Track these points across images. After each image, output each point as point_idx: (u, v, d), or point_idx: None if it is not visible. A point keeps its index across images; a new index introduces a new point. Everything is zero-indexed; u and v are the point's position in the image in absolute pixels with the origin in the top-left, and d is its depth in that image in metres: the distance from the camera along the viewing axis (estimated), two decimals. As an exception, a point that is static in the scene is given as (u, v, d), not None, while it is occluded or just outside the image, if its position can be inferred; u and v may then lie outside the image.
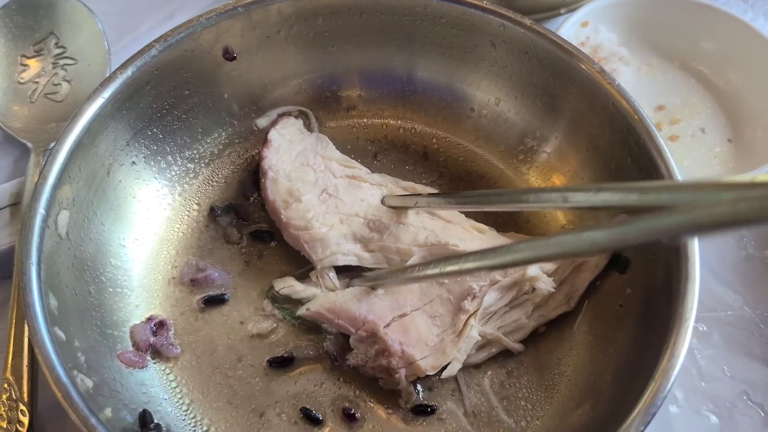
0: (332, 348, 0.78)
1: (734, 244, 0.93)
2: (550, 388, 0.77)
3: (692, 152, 0.97)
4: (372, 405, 0.77)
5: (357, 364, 0.76)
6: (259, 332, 0.80)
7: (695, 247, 0.68)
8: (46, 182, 0.71)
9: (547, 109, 0.87)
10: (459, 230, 0.82)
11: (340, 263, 0.81)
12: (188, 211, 0.88)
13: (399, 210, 0.83)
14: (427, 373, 0.75)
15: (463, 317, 0.76)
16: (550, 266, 0.79)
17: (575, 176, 0.86)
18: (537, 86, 0.86)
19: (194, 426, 0.74)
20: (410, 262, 0.80)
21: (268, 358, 0.78)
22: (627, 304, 0.77)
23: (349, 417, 0.75)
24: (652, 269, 0.74)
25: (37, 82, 0.99)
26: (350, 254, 0.81)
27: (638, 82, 1.04)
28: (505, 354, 0.79)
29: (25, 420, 0.75)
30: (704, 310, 0.87)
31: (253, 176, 0.91)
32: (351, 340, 0.77)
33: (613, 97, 0.78)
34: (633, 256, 0.78)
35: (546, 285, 0.78)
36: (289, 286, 0.82)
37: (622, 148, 0.78)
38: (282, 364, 0.78)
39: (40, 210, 0.69)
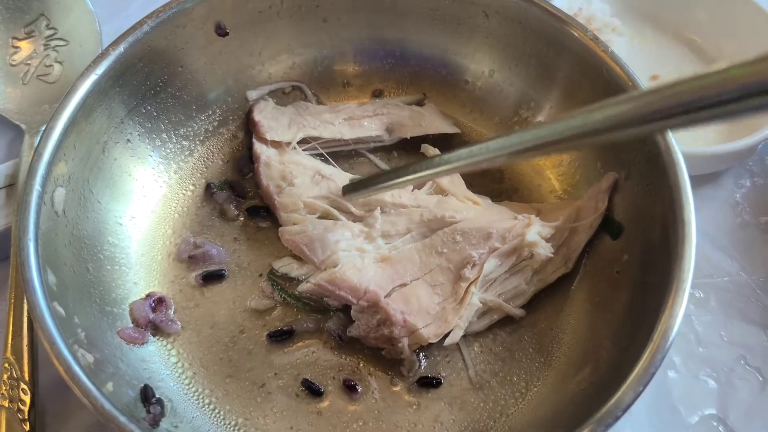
0: (335, 328, 0.78)
1: (730, 210, 0.93)
2: (549, 355, 0.78)
3: (686, 121, 0.97)
4: (374, 377, 0.77)
5: (359, 335, 0.76)
6: (258, 308, 0.81)
7: (691, 210, 0.68)
8: (42, 159, 0.70)
9: (541, 78, 0.87)
10: (454, 202, 0.82)
11: (344, 261, 0.78)
12: (184, 188, 0.88)
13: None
14: (430, 341, 0.75)
15: (464, 285, 0.76)
16: (547, 232, 0.79)
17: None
18: (531, 56, 0.86)
19: (196, 400, 0.75)
20: (406, 237, 0.81)
21: (267, 332, 0.79)
22: (624, 270, 0.77)
23: (350, 388, 0.76)
24: (648, 234, 0.74)
25: (29, 64, 0.99)
26: (351, 249, 0.80)
27: (632, 52, 1.04)
28: (506, 322, 0.80)
29: (27, 399, 0.75)
30: (701, 277, 0.88)
31: (248, 152, 0.90)
32: (352, 312, 0.77)
33: (606, 63, 0.78)
34: (628, 223, 0.78)
35: (545, 250, 0.78)
36: (287, 264, 0.82)
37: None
38: (282, 337, 0.78)
39: (36, 186, 0.69)
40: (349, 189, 0.82)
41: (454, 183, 0.85)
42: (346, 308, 0.78)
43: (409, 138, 0.91)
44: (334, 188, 0.84)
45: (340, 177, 0.85)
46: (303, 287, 0.79)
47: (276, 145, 0.87)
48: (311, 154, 0.88)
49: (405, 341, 0.74)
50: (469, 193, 0.84)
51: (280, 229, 0.83)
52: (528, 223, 0.79)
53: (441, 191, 0.85)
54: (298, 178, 0.84)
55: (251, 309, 0.80)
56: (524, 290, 0.80)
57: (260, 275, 0.83)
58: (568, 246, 0.81)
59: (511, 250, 0.78)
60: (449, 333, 0.76)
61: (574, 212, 0.81)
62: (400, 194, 0.83)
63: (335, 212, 0.83)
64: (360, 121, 0.89)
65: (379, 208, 0.82)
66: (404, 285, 0.77)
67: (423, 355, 0.78)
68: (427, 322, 0.75)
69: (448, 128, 0.91)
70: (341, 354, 0.78)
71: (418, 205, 0.82)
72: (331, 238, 0.80)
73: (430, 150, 0.90)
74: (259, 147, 0.86)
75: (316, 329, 0.79)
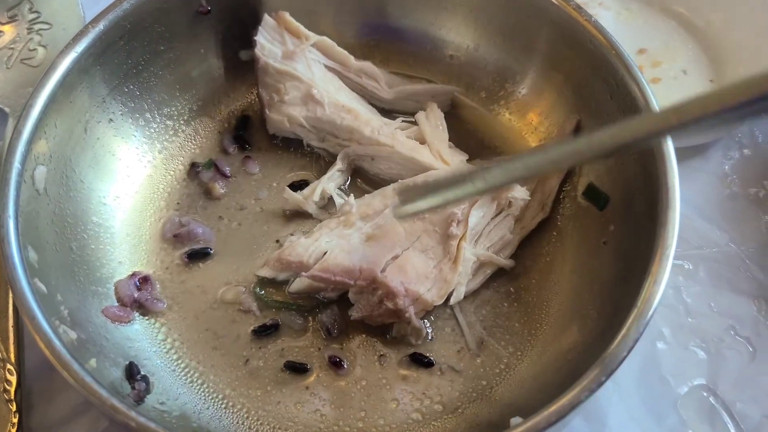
0: (327, 320, 0.78)
1: (718, 182, 0.93)
2: (536, 329, 0.78)
3: (674, 94, 0.95)
4: (362, 354, 0.77)
5: (363, 316, 0.76)
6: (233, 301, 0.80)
7: (675, 176, 0.68)
8: (21, 136, 0.70)
9: (525, 51, 0.86)
10: (426, 157, 0.84)
11: (332, 247, 0.78)
12: (169, 167, 0.88)
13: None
14: (435, 304, 0.76)
15: (454, 243, 0.77)
16: None
17: (551, 112, 0.87)
18: (514, 28, 0.86)
19: (183, 376, 0.75)
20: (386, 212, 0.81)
21: (252, 328, 0.78)
22: (611, 240, 0.77)
23: (335, 365, 0.75)
24: (633, 204, 0.74)
25: (12, 48, 0.98)
26: (333, 239, 0.79)
27: (618, 26, 1.03)
28: (496, 294, 0.80)
29: (13, 379, 0.76)
30: (690, 248, 0.87)
31: (233, 130, 0.91)
32: (350, 295, 0.77)
33: (590, 33, 0.77)
34: (614, 194, 0.78)
35: (521, 194, 0.80)
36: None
37: (602, 85, 0.78)
38: (267, 331, 0.78)
39: (16, 164, 0.69)
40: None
41: (438, 135, 0.86)
42: (340, 299, 0.79)
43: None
44: (320, 113, 0.85)
45: (331, 100, 0.85)
46: (295, 286, 0.79)
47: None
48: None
49: (411, 310, 0.74)
50: (446, 149, 0.85)
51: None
52: None
53: (422, 140, 0.86)
54: (290, 94, 0.85)
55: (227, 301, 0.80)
56: (510, 240, 0.81)
57: (249, 245, 0.83)
58: (542, 191, 0.83)
59: (491, 199, 0.79)
60: (452, 293, 0.77)
61: None
62: (380, 130, 0.85)
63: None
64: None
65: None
66: (396, 257, 0.77)
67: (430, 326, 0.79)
68: (428, 286, 0.76)
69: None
70: (329, 342, 0.78)
71: (392, 145, 0.84)
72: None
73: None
74: (260, 48, 0.86)
75: (303, 325, 0.79)
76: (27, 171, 0.70)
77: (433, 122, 0.87)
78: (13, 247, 0.65)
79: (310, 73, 0.86)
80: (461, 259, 0.77)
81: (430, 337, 0.78)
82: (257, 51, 0.86)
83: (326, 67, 0.89)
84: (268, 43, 0.86)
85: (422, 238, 0.78)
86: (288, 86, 0.85)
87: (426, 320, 0.78)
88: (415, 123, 0.88)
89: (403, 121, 0.89)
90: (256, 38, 0.86)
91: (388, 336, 0.77)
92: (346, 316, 0.77)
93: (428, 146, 0.85)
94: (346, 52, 0.89)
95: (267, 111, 0.87)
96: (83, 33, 0.77)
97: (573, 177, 0.84)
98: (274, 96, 0.86)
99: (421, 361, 0.76)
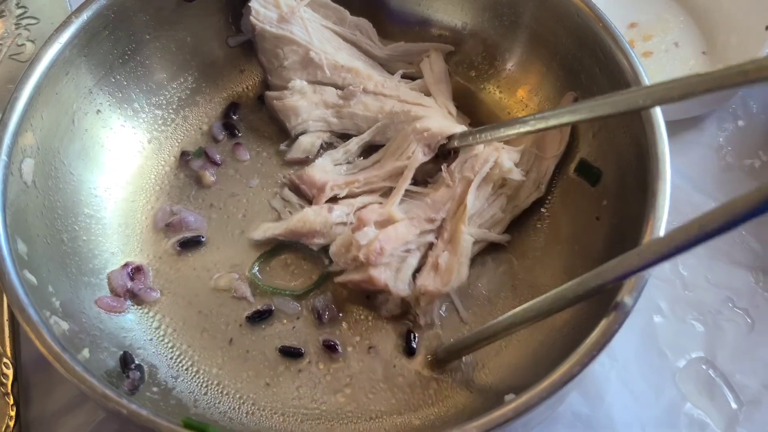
0: (320, 305, 0.78)
1: (713, 154, 0.92)
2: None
3: (666, 67, 0.96)
4: (356, 337, 0.77)
5: (345, 279, 0.76)
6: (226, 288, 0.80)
7: (665, 146, 0.67)
8: (6, 129, 0.70)
9: (513, 26, 0.85)
10: (431, 103, 0.85)
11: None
12: (159, 157, 0.87)
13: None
14: (442, 291, 0.75)
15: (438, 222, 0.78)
16: (515, 157, 0.80)
17: (540, 88, 0.86)
18: (502, 5, 0.85)
19: (178, 364, 0.75)
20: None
21: (246, 314, 0.78)
22: (603, 216, 0.76)
23: (330, 348, 0.75)
24: (626, 177, 0.73)
25: (1, 44, 0.98)
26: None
27: (609, 1, 1.01)
28: (487, 271, 0.80)
29: (10, 372, 0.76)
30: (685, 221, 0.86)
31: (222, 118, 0.90)
32: (331, 251, 0.78)
33: (576, 6, 0.77)
34: (606, 168, 0.77)
35: (517, 176, 0.79)
36: (263, 229, 0.82)
37: (591, 58, 0.77)
38: (261, 317, 0.78)
39: (2, 157, 0.69)
40: None
41: (441, 89, 0.87)
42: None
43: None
44: (321, 76, 0.87)
45: (329, 61, 0.86)
46: (274, 233, 0.80)
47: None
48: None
49: (387, 274, 0.74)
50: (450, 103, 0.86)
51: (265, 93, 0.89)
52: (496, 147, 0.80)
53: (426, 91, 0.87)
54: (289, 59, 0.86)
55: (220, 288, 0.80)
56: (501, 218, 0.81)
57: (241, 232, 0.83)
58: (538, 171, 0.82)
59: (486, 179, 0.79)
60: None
61: (537, 136, 0.82)
62: (383, 84, 0.86)
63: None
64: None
65: (362, 87, 0.85)
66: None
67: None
68: (398, 248, 0.76)
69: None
70: (322, 329, 0.78)
71: (397, 96, 0.85)
72: (304, 109, 0.85)
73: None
74: (255, 14, 0.85)
75: (297, 310, 0.79)
76: (14, 164, 0.70)
77: (437, 74, 0.88)
78: (1, 239, 0.65)
79: (307, 35, 0.86)
80: (460, 243, 0.76)
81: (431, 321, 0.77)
82: (252, 18, 0.86)
83: (323, 25, 0.89)
84: (263, 8, 0.86)
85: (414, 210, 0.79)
86: (286, 51, 0.86)
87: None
88: (413, 79, 0.90)
89: (402, 76, 0.89)
90: (249, 4, 0.85)
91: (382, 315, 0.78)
92: (339, 303, 0.78)
93: (433, 98, 0.86)
94: (341, 8, 0.89)
95: (269, 77, 0.88)
96: (67, 24, 0.76)
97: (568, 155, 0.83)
98: (274, 61, 0.87)
99: (410, 347, 0.76)
